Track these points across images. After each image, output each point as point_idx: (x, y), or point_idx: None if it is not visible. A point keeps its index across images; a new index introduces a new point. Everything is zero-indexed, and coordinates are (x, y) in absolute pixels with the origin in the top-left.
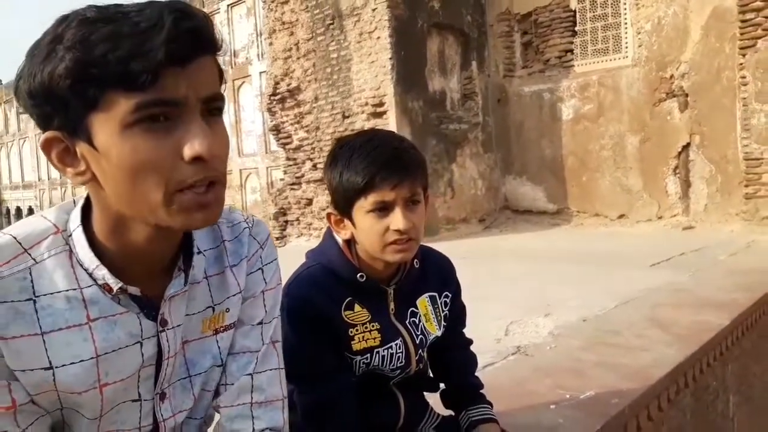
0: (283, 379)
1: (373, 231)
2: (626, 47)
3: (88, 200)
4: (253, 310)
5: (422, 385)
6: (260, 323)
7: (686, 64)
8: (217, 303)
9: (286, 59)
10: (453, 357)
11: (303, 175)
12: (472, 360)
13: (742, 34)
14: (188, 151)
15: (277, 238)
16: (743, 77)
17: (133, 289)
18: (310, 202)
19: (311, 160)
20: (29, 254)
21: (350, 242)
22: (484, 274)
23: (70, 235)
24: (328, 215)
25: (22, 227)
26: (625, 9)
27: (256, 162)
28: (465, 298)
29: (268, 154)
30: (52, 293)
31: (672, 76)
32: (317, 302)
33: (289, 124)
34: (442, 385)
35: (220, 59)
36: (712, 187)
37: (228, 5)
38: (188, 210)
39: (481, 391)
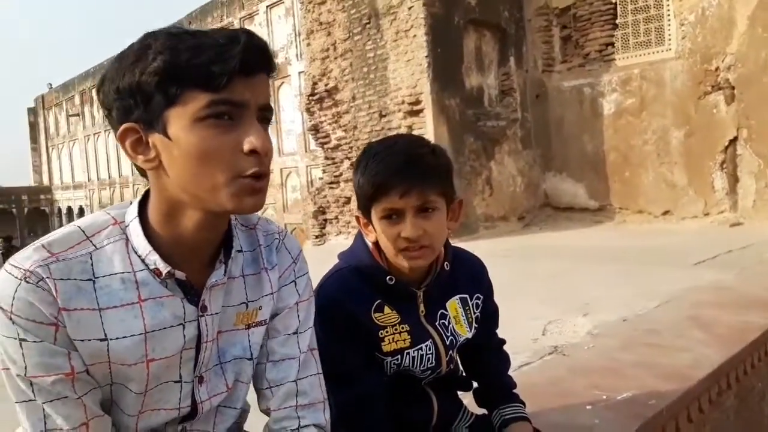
0: (322, 383)
1: (385, 237)
2: (669, 39)
3: (143, 199)
4: (289, 321)
5: (455, 385)
6: (296, 332)
7: (732, 56)
8: (251, 300)
9: (323, 59)
10: (485, 357)
11: (341, 174)
12: (504, 360)
13: None
14: (247, 146)
15: (317, 237)
16: None
17: (180, 274)
18: (348, 200)
19: (349, 159)
20: (91, 241)
21: (379, 244)
22: (523, 273)
23: (128, 226)
24: (357, 218)
25: (86, 219)
26: (668, 0)
27: (296, 161)
28: (503, 297)
29: (308, 153)
30: (109, 275)
31: (717, 69)
32: (347, 304)
33: (327, 123)
34: (475, 384)
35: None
36: (761, 182)
37: (267, 6)
38: (242, 194)
39: (513, 390)
